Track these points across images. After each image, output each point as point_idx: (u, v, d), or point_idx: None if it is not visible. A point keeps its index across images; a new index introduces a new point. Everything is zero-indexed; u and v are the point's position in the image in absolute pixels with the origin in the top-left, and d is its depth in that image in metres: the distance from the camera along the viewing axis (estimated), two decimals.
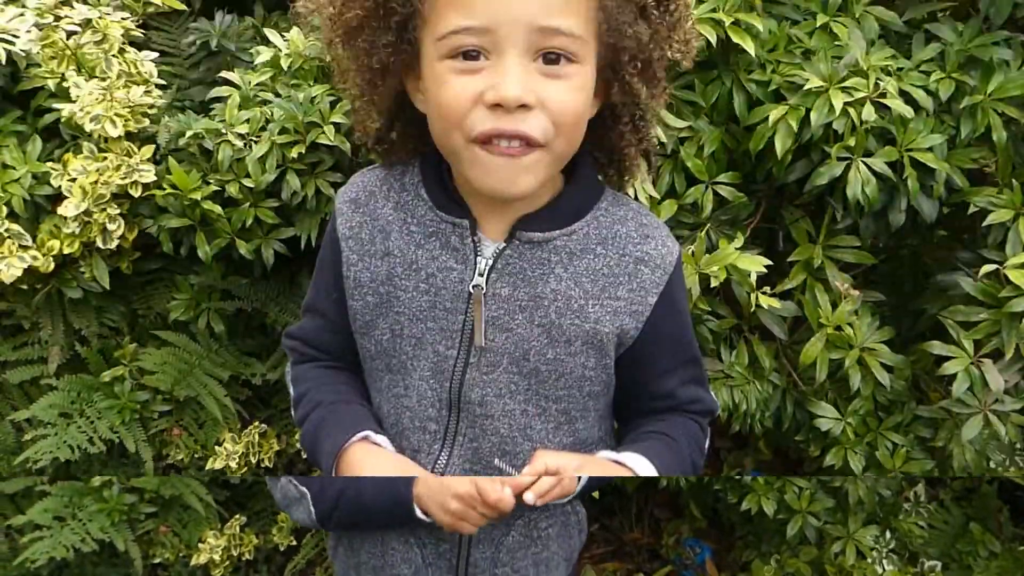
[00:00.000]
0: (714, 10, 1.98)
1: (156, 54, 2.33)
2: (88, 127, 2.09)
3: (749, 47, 1.95)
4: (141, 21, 2.47)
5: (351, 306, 1.39)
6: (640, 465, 1.33)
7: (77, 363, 2.50)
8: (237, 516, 2.63)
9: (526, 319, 1.30)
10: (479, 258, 1.30)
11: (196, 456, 2.57)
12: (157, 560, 2.61)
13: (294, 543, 2.71)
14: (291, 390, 1.52)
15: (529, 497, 1.24)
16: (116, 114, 2.07)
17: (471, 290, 1.29)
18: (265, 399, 2.70)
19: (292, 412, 1.52)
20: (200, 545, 2.57)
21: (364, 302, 1.37)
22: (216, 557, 2.55)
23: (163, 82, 2.35)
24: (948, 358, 2.05)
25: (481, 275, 1.29)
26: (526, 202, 1.31)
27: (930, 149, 2.01)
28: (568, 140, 1.22)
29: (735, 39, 1.95)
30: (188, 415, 2.56)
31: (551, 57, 1.15)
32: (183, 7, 2.53)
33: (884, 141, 2.03)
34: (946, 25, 2.12)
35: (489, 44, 1.13)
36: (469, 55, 1.14)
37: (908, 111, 1.96)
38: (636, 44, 1.23)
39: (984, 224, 2.04)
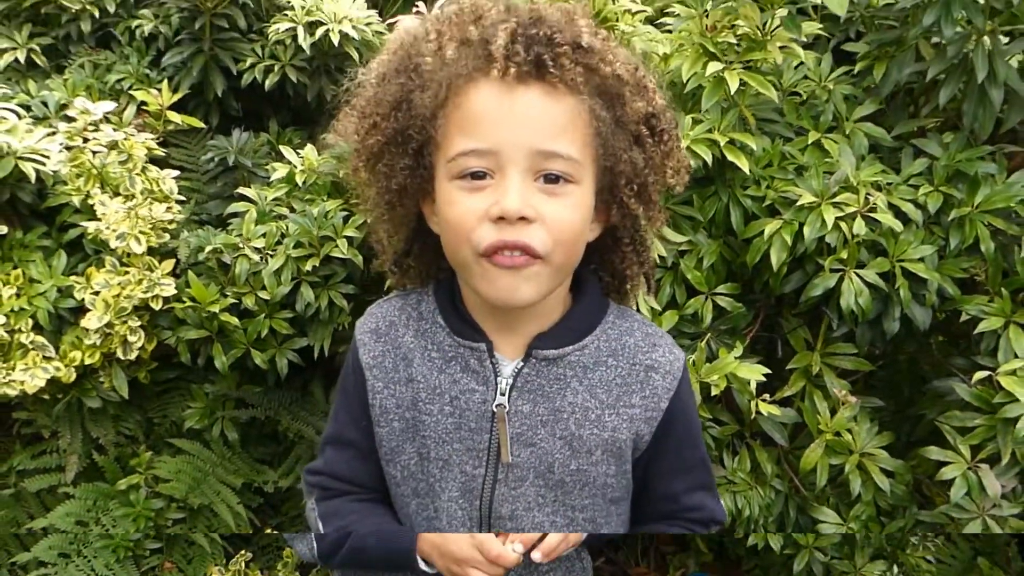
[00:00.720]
0: (710, 130, 2.08)
1: (177, 171, 2.43)
2: (113, 243, 2.19)
3: (744, 164, 2.05)
4: (162, 139, 2.59)
5: (378, 433, 1.44)
6: None
7: (93, 471, 2.55)
8: (243, 552, 2.62)
9: (548, 433, 1.36)
10: (499, 378, 1.36)
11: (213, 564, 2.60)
12: None
13: None
14: (319, 527, 1.51)
15: (536, 556, 1.32)
16: (140, 231, 2.17)
17: (495, 409, 1.35)
18: (276, 506, 2.74)
19: (315, 548, 1.51)
20: None
21: (391, 428, 1.42)
22: None
23: (182, 198, 2.45)
24: (947, 463, 2.10)
25: (503, 394, 1.35)
26: (537, 321, 1.38)
27: (921, 260, 2.08)
28: (566, 254, 1.29)
29: (730, 157, 2.05)
30: (201, 522, 2.59)
31: (551, 177, 1.23)
32: (201, 125, 2.65)
33: (876, 252, 2.11)
34: (933, 140, 2.22)
35: (494, 165, 1.22)
36: (476, 175, 1.23)
37: (897, 224, 2.04)
38: (632, 168, 1.32)
39: (975, 331, 2.10)
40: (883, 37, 2.29)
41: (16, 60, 2.81)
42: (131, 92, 2.64)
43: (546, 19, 1.25)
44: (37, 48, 2.88)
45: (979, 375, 2.08)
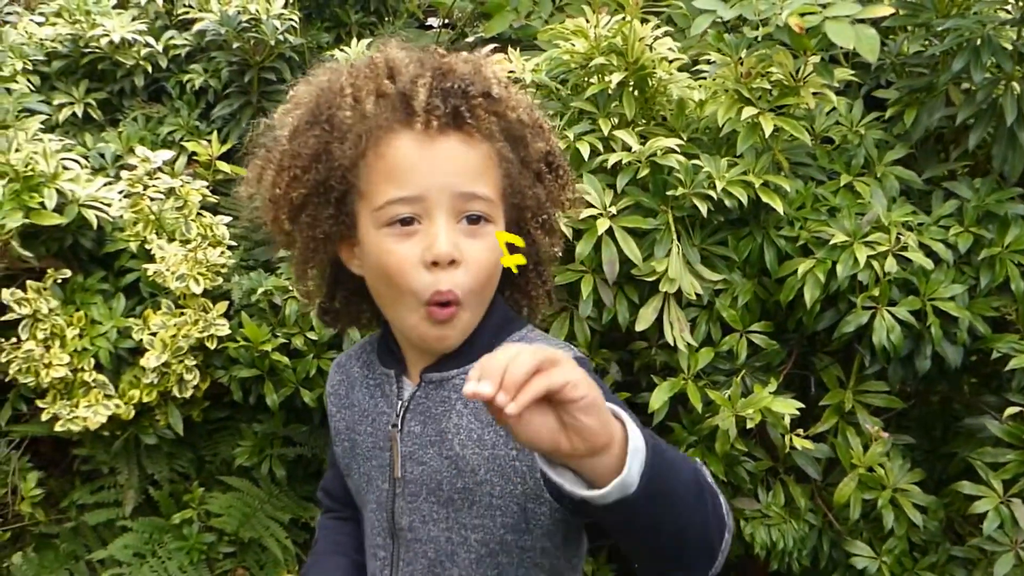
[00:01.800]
0: (745, 172, 2.16)
1: (228, 218, 2.53)
2: (172, 285, 2.29)
3: (778, 205, 2.12)
4: (211, 187, 2.70)
5: (335, 452, 1.59)
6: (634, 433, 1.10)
7: (148, 506, 2.64)
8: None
9: (436, 452, 1.41)
10: (399, 401, 1.45)
11: None
12: None
13: None
14: (315, 541, 1.73)
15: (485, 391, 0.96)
16: (199, 273, 2.27)
17: (390, 429, 1.45)
18: None
19: None
20: None
21: (342, 448, 1.55)
22: None
23: (233, 243, 2.55)
24: (979, 497, 2.14)
25: (398, 416, 1.44)
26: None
27: (952, 298, 2.14)
28: (484, 292, 1.37)
29: (764, 198, 2.12)
30: (251, 556, 2.67)
31: (472, 218, 1.32)
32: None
33: (908, 291, 2.17)
34: (963, 183, 2.28)
35: (421, 211, 1.30)
36: (405, 221, 1.30)
37: (928, 263, 2.10)
38: (536, 203, 1.42)
39: (1006, 368, 2.15)
40: (913, 83, 2.37)
41: (74, 114, 2.94)
42: (182, 143, 2.76)
43: (457, 71, 1.33)
44: (93, 103, 3.02)
45: (1010, 411, 2.13)
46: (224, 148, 2.80)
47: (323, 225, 1.37)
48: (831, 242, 2.12)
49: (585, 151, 2.18)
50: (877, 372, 2.26)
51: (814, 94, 2.20)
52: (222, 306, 2.42)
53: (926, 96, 2.34)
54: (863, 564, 2.23)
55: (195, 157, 2.77)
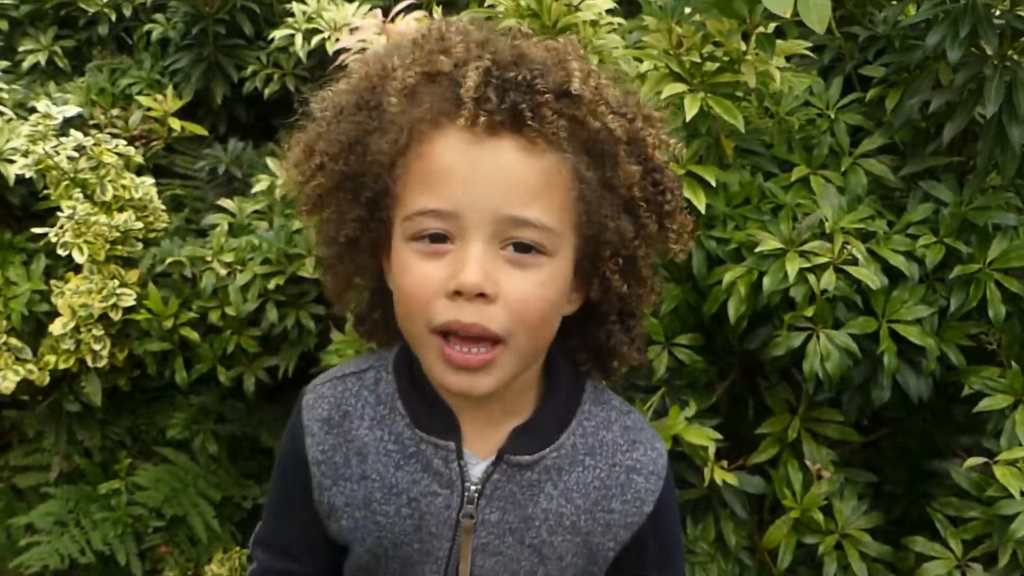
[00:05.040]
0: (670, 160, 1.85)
1: (152, 180, 2.39)
2: (60, 252, 2.17)
3: (700, 203, 1.81)
4: (167, 144, 2.57)
5: (328, 527, 1.28)
6: None
7: (78, 474, 2.57)
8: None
9: (516, 540, 1.21)
10: (467, 483, 1.20)
11: (188, 573, 2.57)
12: None
13: None
14: None
15: None
16: (85, 241, 2.14)
17: (460, 519, 1.20)
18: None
19: None
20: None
21: (339, 526, 1.26)
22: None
23: (162, 206, 2.41)
24: (934, 558, 1.82)
25: (470, 503, 1.19)
26: (509, 410, 1.21)
27: (918, 321, 1.80)
28: (532, 337, 1.10)
29: (686, 193, 1.80)
30: (183, 532, 2.57)
31: (520, 246, 1.05)
32: (204, 132, 2.61)
33: (865, 310, 1.83)
34: (945, 183, 1.91)
35: (455, 229, 1.05)
36: (435, 238, 1.06)
37: (874, 280, 1.76)
38: (619, 239, 1.12)
39: (975, 410, 1.80)
40: (904, 59, 1.99)
41: (38, 63, 2.86)
42: (138, 97, 2.63)
43: (528, 59, 1.07)
44: (59, 51, 2.92)
45: (971, 461, 1.79)
46: (180, 104, 2.66)
47: (348, 227, 1.15)
48: (758, 248, 1.80)
49: None
50: (831, 399, 1.94)
51: (778, 71, 1.88)
52: (133, 274, 2.29)
53: (917, 75, 1.96)
54: None
55: (149, 113, 2.64)
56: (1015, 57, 1.82)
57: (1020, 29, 1.77)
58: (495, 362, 1.07)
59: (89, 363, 2.33)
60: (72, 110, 2.41)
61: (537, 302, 1.06)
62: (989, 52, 1.77)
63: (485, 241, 1.03)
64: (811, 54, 2.00)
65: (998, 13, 1.78)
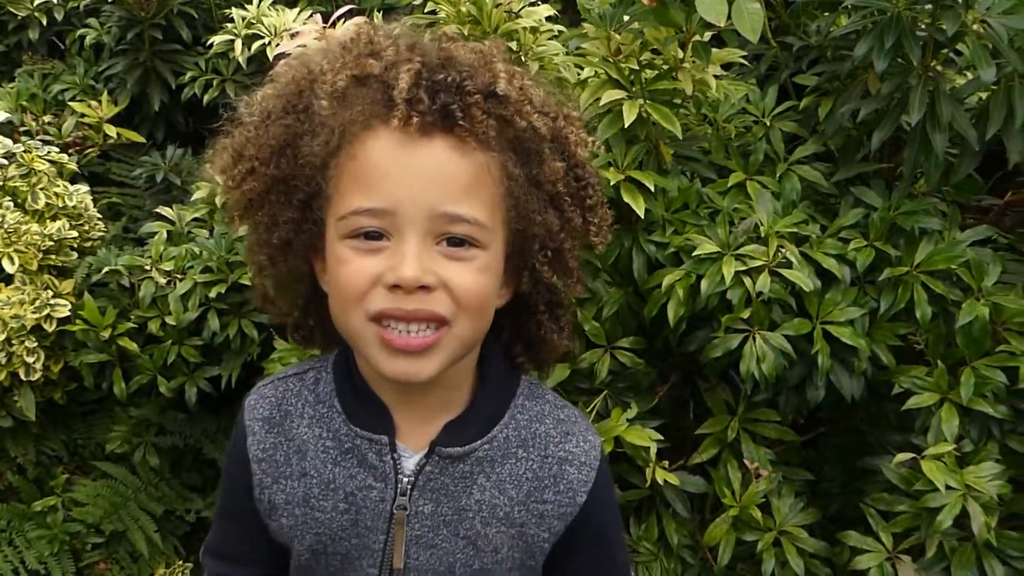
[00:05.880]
0: (609, 165, 1.89)
1: (87, 187, 2.36)
2: None
3: (639, 208, 1.85)
4: (101, 151, 2.54)
5: (269, 525, 1.30)
6: None
7: (12, 491, 2.52)
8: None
9: (451, 533, 1.22)
10: (400, 475, 1.22)
11: None
12: None
13: None
14: None
15: None
16: (16, 250, 2.11)
17: (394, 511, 1.22)
18: (205, 534, 2.66)
19: None
20: None
21: (279, 523, 1.27)
22: None
23: (98, 215, 2.38)
24: (865, 551, 1.87)
25: (403, 494, 1.21)
26: (444, 403, 1.23)
27: (850, 323, 1.86)
28: (474, 320, 1.13)
29: (625, 198, 1.85)
30: (123, 548, 2.53)
31: (454, 241, 1.09)
32: (140, 139, 2.59)
33: (800, 312, 1.88)
34: (875, 189, 1.98)
35: (390, 226, 1.07)
36: (370, 235, 1.08)
37: (807, 283, 1.81)
38: (546, 232, 1.16)
39: (903, 408, 1.86)
40: (836, 69, 2.05)
41: None
42: (72, 103, 2.60)
43: (456, 61, 1.10)
44: None
45: (901, 457, 1.85)
46: (115, 110, 2.63)
47: (281, 230, 1.16)
48: (696, 252, 1.84)
49: None
50: (769, 399, 1.99)
51: (716, 79, 1.93)
52: (68, 284, 2.26)
53: (848, 84, 2.03)
54: None
55: (84, 119, 2.61)
56: (938, 68, 1.89)
57: (942, 41, 1.83)
58: (438, 344, 1.10)
59: (22, 376, 2.29)
60: (1, 116, 2.37)
61: (476, 287, 1.10)
62: (914, 63, 1.83)
63: (420, 237, 1.06)
64: (748, 63, 2.06)
65: (922, 26, 1.84)
